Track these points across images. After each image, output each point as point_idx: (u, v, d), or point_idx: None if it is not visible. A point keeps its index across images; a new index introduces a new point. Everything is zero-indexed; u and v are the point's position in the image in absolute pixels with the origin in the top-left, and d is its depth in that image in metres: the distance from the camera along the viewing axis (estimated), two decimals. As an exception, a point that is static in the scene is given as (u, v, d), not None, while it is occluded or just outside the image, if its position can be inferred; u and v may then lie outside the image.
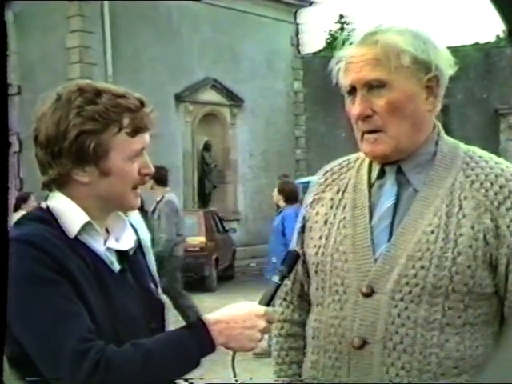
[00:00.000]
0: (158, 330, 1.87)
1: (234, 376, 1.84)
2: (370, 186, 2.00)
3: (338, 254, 1.97)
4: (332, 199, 2.05)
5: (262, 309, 1.79)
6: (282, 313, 2.16)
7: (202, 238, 15.59)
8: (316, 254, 2.01)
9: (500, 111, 23.00)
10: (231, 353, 1.82)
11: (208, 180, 21.46)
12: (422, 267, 1.85)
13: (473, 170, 1.92)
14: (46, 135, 1.78)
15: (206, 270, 15.41)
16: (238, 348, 1.77)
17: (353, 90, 1.91)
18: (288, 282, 2.14)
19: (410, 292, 1.85)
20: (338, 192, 2.06)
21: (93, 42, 18.49)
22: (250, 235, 21.46)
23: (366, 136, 1.92)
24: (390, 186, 1.96)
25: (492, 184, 1.89)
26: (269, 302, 1.83)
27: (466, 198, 1.89)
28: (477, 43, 25.22)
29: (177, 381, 1.76)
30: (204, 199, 21.33)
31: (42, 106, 1.82)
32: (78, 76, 17.15)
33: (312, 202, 2.11)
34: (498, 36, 28.69)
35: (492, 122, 23.23)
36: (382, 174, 1.99)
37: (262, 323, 1.77)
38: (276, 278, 1.88)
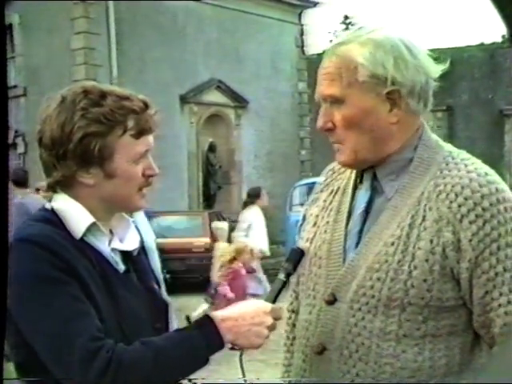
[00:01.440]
0: (162, 330, 1.88)
1: (243, 374, 1.85)
2: (355, 189, 2.00)
3: (315, 259, 1.98)
4: (325, 201, 2.06)
5: (269, 306, 1.81)
6: (291, 303, 2.18)
7: (207, 239, 15.58)
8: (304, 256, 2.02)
9: (505, 112, 22.95)
10: (237, 353, 1.83)
11: (213, 181, 21.46)
12: (379, 279, 1.83)
13: (444, 178, 1.85)
14: (51, 137, 1.79)
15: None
16: (246, 345, 1.78)
17: (320, 102, 1.92)
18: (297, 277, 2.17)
19: (367, 303, 1.85)
20: (331, 193, 2.06)
21: (98, 43, 18.52)
22: (255, 236, 21.44)
23: (334, 145, 1.93)
24: (364, 191, 1.95)
25: (457, 195, 1.81)
26: (275, 299, 1.85)
27: (430, 208, 1.83)
28: (482, 44, 25.16)
29: (182, 381, 1.77)
30: (209, 200, 21.32)
31: (46, 108, 1.83)
32: (83, 77, 17.18)
33: (312, 201, 2.12)
34: (503, 36, 28.64)
35: (497, 122, 23.18)
36: (361, 178, 1.98)
37: (270, 320, 1.78)
38: (281, 276, 1.89)
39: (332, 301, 1.90)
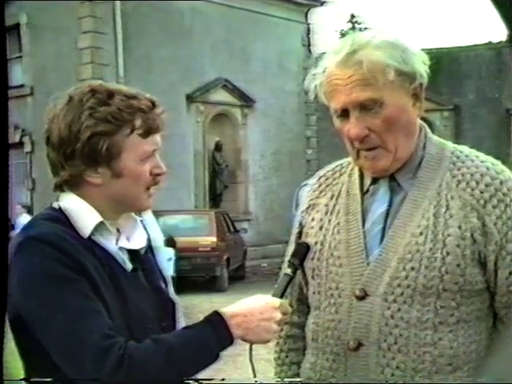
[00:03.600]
0: (169, 329, 1.88)
1: (253, 371, 1.86)
2: (363, 191, 2.03)
3: (332, 259, 2.01)
4: (326, 205, 2.09)
5: (278, 301, 1.82)
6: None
7: (213, 239, 15.60)
8: (312, 259, 2.04)
9: (512, 111, 22.91)
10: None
11: (219, 180, 21.48)
12: (413, 269, 1.88)
13: (459, 169, 1.96)
14: (59, 136, 1.79)
15: (217, 270, 15.43)
16: (255, 340, 1.79)
17: (344, 112, 1.92)
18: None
19: (402, 293, 1.89)
20: (332, 198, 2.09)
21: (104, 42, 18.56)
22: (261, 235, 21.48)
23: (363, 153, 1.95)
24: (383, 192, 1.99)
25: (478, 183, 1.92)
26: (282, 294, 1.87)
27: (452, 197, 1.92)
28: (489, 42, 25.08)
29: (189, 381, 1.77)
30: (215, 199, 21.35)
31: (53, 108, 1.83)
32: (90, 77, 17.22)
33: (307, 207, 2.14)
34: (509, 35, 28.56)
35: (504, 121, 23.13)
36: (374, 180, 2.02)
37: (278, 315, 1.80)
38: (288, 270, 1.93)
39: (363, 296, 1.93)
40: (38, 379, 1.73)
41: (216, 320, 1.75)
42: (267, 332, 1.78)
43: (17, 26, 19.32)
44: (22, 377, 1.79)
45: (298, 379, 2.14)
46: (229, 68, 21.06)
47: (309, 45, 24.32)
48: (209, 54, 20.69)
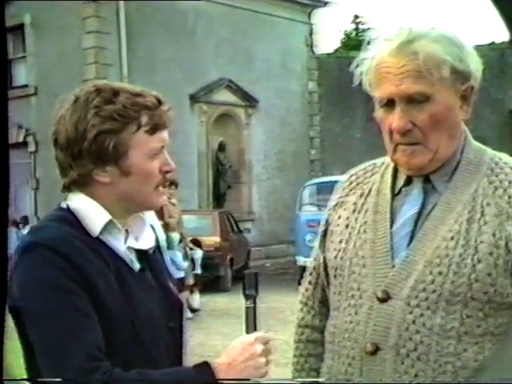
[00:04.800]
0: (176, 330, 1.88)
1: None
2: (394, 191, 1.97)
3: (356, 259, 1.94)
4: (355, 203, 2.02)
5: (252, 336, 1.78)
6: (303, 318, 2.14)
7: (217, 238, 15.61)
8: (335, 257, 1.98)
9: (515, 112, 22.87)
10: None
11: (223, 180, 21.48)
12: (440, 273, 1.80)
13: (497, 176, 1.88)
14: (66, 137, 1.78)
15: (220, 269, 15.43)
16: (251, 378, 1.74)
17: (389, 102, 1.86)
18: (309, 287, 2.14)
19: (426, 298, 1.80)
20: (361, 196, 2.02)
21: (108, 42, 18.58)
22: (265, 235, 21.49)
23: (401, 147, 1.87)
24: (416, 194, 1.92)
25: None
26: (254, 327, 1.82)
27: (488, 204, 1.84)
28: (492, 43, 25.05)
29: None
30: (219, 199, 21.35)
31: (60, 109, 1.82)
32: (94, 76, 17.24)
33: (335, 205, 2.08)
34: (513, 36, 28.55)
35: (507, 122, 23.10)
36: (408, 181, 1.95)
37: (259, 347, 1.75)
38: (248, 303, 1.85)
39: (385, 298, 1.85)
40: (38, 379, 1.72)
41: (204, 367, 1.71)
42: (257, 369, 1.74)
43: (21, 26, 19.33)
44: (23, 375, 1.79)
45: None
46: (232, 68, 21.07)
47: (312, 45, 24.31)
48: (212, 54, 20.69)
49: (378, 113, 1.89)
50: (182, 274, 11.20)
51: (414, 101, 1.82)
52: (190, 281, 11.93)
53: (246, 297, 1.86)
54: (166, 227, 11.10)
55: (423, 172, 1.90)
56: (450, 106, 1.85)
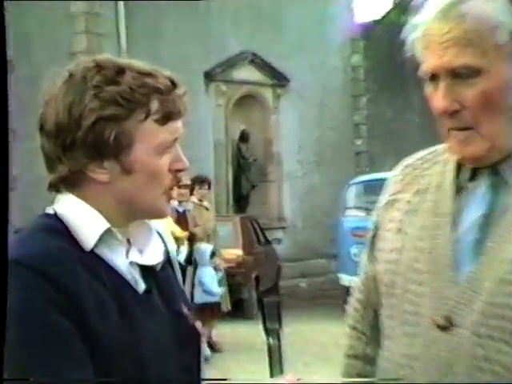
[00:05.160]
0: (191, 367, 1.88)
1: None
2: (458, 188, 1.94)
3: (411, 274, 1.92)
4: (409, 202, 2.01)
5: (278, 381, 1.77)
6: (352, 347, 2.14)
7: (239, 251, 15.64)
8: (386, 271, 1.98)
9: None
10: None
11: (245, 178, 21.51)
12: None
13: None
14: (56, 123, 1.78)
15: (243, 291, 15.43)
16: None
17: (434, 77, 1.85)
18: (359, 307, 2.14)
19: (498, 327, 1.77)
20: (417, 193, 2.01)
21: (103, 7, 18.65)
22: (299, 247, 21.47)
23: (453, 133, 1.87)
24: (483, 191, 1.90)
25: None
26: (281, 369, 1.82)
27: None
28: None
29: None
30: (240, 202, 21.39)
31: (50, 87, 1.82)
32: (84, 49, 17.32)
33: (386, 204, 2.08)
34: None
35: None
36: (474, 173, 1.93)
37: None
38: (272, 341, 1.87)
39: (447, 326, 1.83)
40: (38, 379, 1.72)
41: None
42: None
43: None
44: None
45: None
46: (256, 39, 21.09)
47: (356, 9, 24.33)
48: (231, 23, 20.75)
49: (427, 90, 1.89)
50: (214, 299, 11.04)
51: (461, 75, 1.81)
52: (224, 308, 11.78)
53: (267, 332, 1.87)
54: (192, 238, 10.93)
55: (483, 163, 1.89)
56: (508, 81, 1.82)
